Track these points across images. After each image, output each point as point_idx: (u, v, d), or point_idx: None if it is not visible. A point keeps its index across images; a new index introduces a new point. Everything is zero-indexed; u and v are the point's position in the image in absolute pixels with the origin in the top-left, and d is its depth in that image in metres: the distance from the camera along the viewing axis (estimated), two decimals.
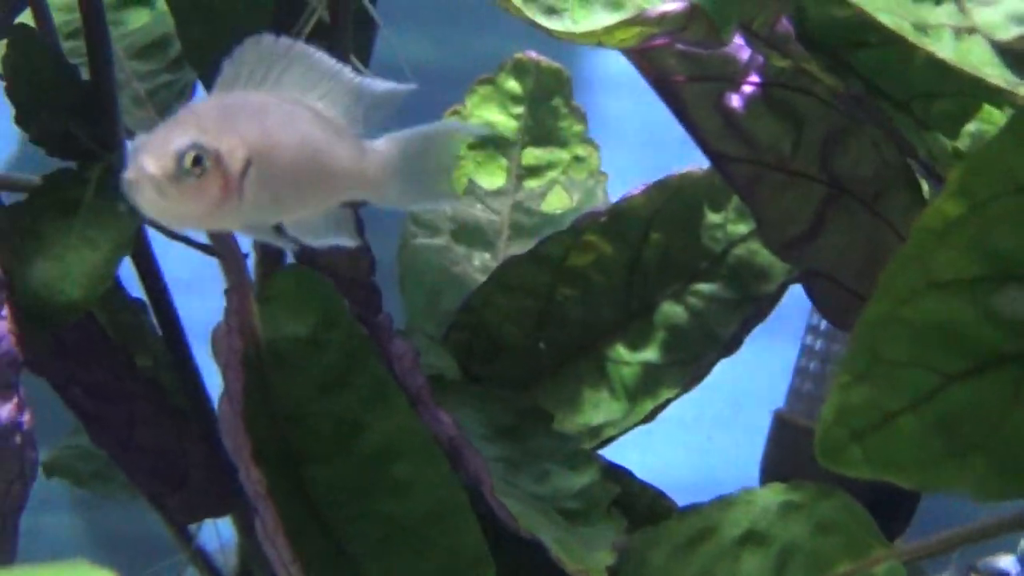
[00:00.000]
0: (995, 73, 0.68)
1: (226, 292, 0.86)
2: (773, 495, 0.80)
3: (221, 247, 0.92)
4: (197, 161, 0.61)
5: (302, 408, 0.85)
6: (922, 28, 0.69)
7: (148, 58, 1.14)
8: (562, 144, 1.21)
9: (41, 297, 0.88)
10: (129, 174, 0.61)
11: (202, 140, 0.62)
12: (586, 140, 1.21)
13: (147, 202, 0.62)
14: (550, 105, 1.21)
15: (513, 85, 1.21)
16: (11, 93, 0.95)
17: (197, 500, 1.04)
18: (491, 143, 1.21)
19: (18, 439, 0.81)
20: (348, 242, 0.73)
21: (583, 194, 1.20)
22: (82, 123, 0.96)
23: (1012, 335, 0.63)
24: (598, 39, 0.72)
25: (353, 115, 0.71)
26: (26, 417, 0.82)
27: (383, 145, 0.73)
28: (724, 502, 0.81)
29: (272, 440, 0.84)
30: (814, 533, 0.78)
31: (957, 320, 0.63)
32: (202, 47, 1.06)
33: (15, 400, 0.81)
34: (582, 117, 1.22)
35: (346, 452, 0.84)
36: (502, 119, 1.21)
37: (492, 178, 1.20)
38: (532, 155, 1.21)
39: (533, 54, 1.21)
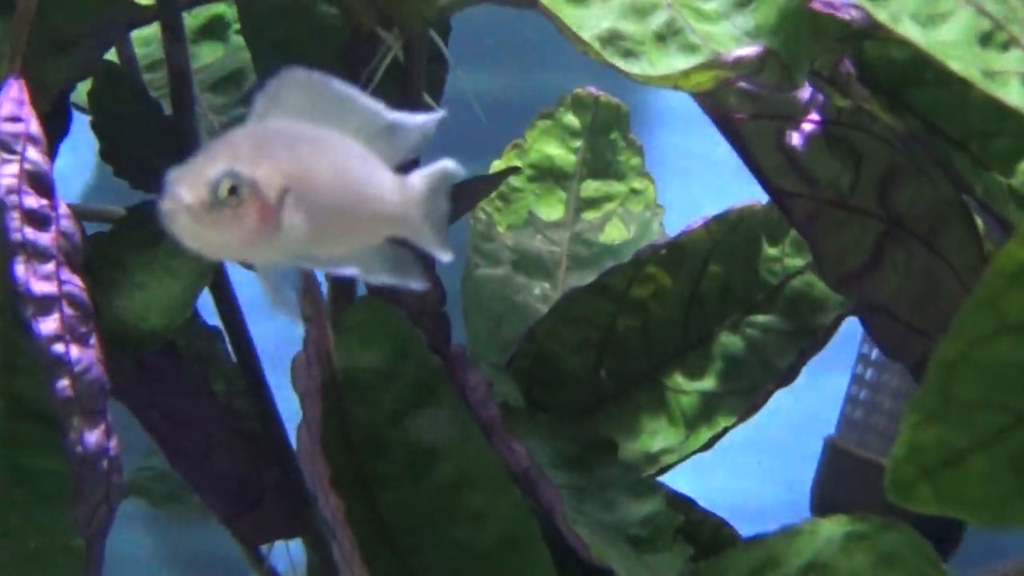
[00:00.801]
0: None
1: (304, 323, 0.87)
2: (837, 526, 0.80)
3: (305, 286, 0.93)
4: (233, 190, 0.59)
5: (377, 437, 0.86)
6: (990, 75, 0.70)
7: (222, 92, 1.15)
8: (619, 177, 1.22)
9: (125, 325, 0.89)
10: (165, 204, 0.60)
11: (237, 168, 0.60)
12: (643, 173, 1.23)
13: (183, 232, 0.60)
14: (608, 139, 1.23)
15: (572, 119, 1.22)
16: (97, 128, 0.96)
17: (270, 522, 1.05)
18: (550, 176, 1.22)
19: (105, 464, 0.82)
20: (416, 284, 0.71)
21: (640, 226, 1.21)
22: (164, 156, 0.97)
23: None
24: (674, 82, 0.73)
25: (387, 149, 0.70)
26: (113, 443, 0.82)
27: (417, 180, 0.71)
28: (788, 532, 0.82)
29: (348, 467, 0.85)
30: (877, 565, 0.78)
31: None
32: (271, 67, 1.07)
33: (103, 426, 0.82)
34: (639, 151, 1.23)
35: (420, 480, 0.85)
36: (561, 152, 1.22)
37: (551, 210, 1.21)
38: (590, 187, 1.22)
39: (592, 89, 1.22)
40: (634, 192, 1.22)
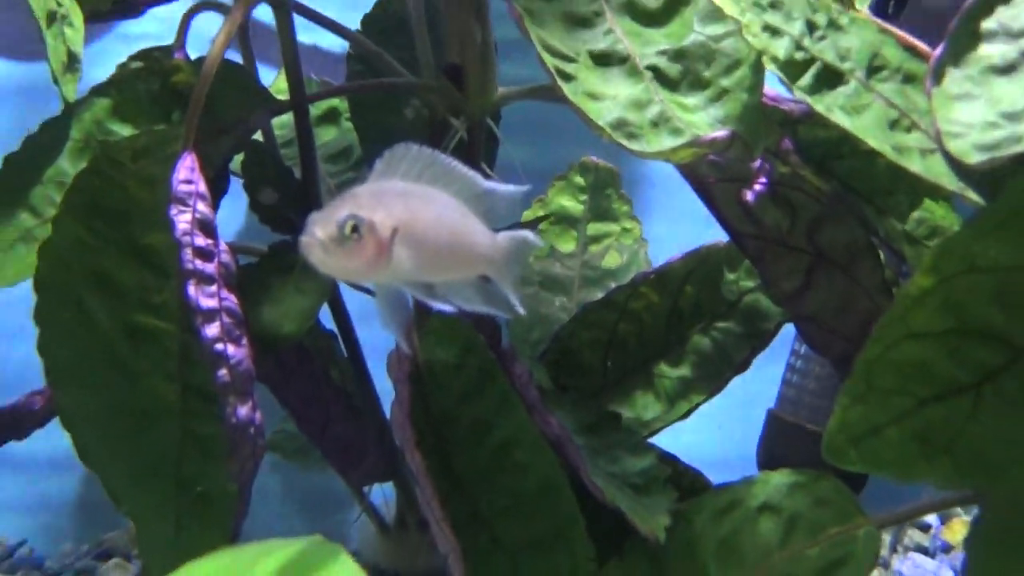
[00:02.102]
0: (951, 182, 0.67)
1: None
2: (783, 477, 0.79)
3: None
4: (355, 228, 0.59)
5: (449, 412, 0.85)
6: (898, 150, 0.68)
7: (336, 161, 1.15)
8: (614, 220, 1.22)
9: (268, 330, 0.88)
10: (304, 238, 0.60)
11: (358, 212, 0.60)
12: (631, 217, 1.22)
13: (316, 260, 0.60)
14: (605, 193, 1.22)
15: (579, 180, 1.22)
16: (248, 189, 0.95)
17: (370, 471, 1.04)
18: (565, 220, 1.22)
19: (252, 431, 0.81)
20: (503, 314, 0.71)
21: (630, 255, 1.20)
22: (295, 209, 0.96)
23: (968, 371, 0.62)
24: (665, 157, 0.71)
25: (480, 209, 0.68)
26: (257, 415, 0.82)
27: (503, 238, 0.70)
28: (747, 481, 0.81)
29: (429, 434, 0.84)
30: (813, 506, 0.77)
31: (928, 360, 0.62)
32: (375, 154, 1.06)
33: (251, 404, 0.81)
34: (628, 201, 1.22)
35: (480, 443, 0.83)
36: (572, 203, 1.22)
37: (566, 244, 1.21)
38: (594, 228, 1.21)
39: (594, 158, 1.22)
40: (625, 231, 1.21)
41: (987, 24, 0.61)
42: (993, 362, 0.60)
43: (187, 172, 0.81)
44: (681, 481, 0.89)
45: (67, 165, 0.91)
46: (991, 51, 0.59)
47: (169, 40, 1.06)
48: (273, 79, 1.22)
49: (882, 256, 0.94)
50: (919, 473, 0.63)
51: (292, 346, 0.93)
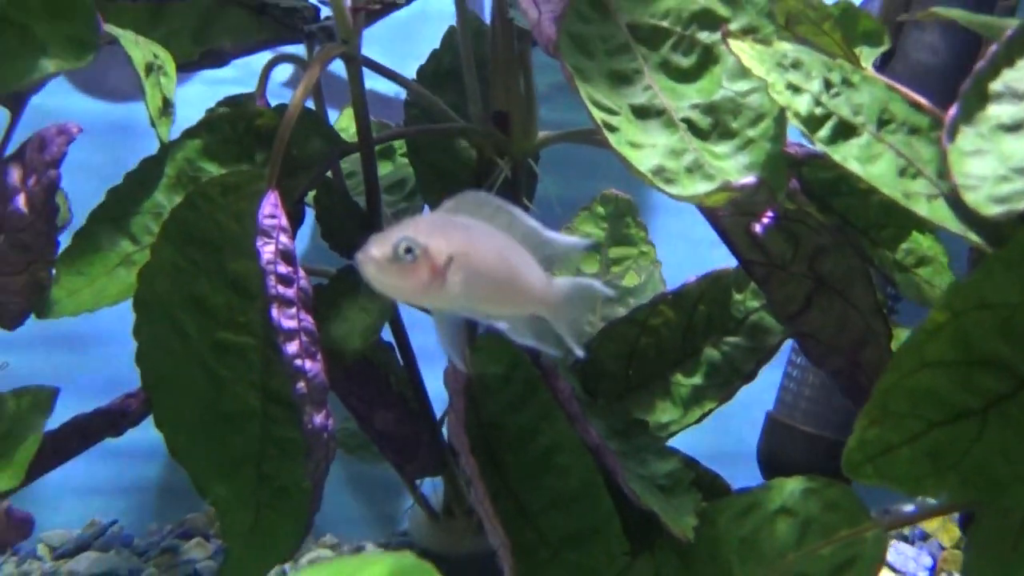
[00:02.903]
0: (954, 225, 0.65)
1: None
2: (797, 483, 0.77)
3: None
4: (408, 250, 0.56)
5: (499, 419, 0.84)
6: (907, 195, 0.65)
7: (392, 192, 1.13)
8: (632, 244, 1.20)
9: (337, 345, 0.87)
10: (360, 255, 0.57)
11: (413, 236, 0.56)
12: (647, 242, 1.20)
13: (371, 277, 0.57)
14: (624, 221, 1.20)
15: (601, 210, 1.20)
16: (319, 219, 0.94)
17: (422, 466, 1.02)
18: (591, 247, 1.20)
19: (325, 435, 0.80)
20: (552, 352, 0.66)
21: (647, 275, 1.18)
22: (360, 235, 0.94)
23: (975, 397, 0.60)
24: (699, 200, 0.69)
25: (540, 256, 0.64)
26: (330, 422, 0.80)
27: (562, 283, 0.66)
28: (764, 487, 0.78)
29: (480, 439, 0.82)
30: (824, 509, 0.75)
31: (939, 387, 0.60)
32: (429, 188, 1.05)
33: (325, 411, 0.80)
34: (643, 228, 1.20)
35: (526, 448, 0.82)
36: (595, 230, 1.20)
37: (591, 267, 1.19)
38: (614, 252, 1.19)
39: (614, 190, 1.20)
40: (642, 254, 1.19)
41: (994, 86, 0.59)
42: (999, 389, 0.58)
43: (271, 208, 0.80)
44: (702, 483, 0.86)
45: (162, 198, 0.90)
46: (999, 111, 0.57)
47: (241, 82, 1.07)
48: (336, 118, 1.21)
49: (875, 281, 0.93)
50: (928, 488, 0.61)
51: (358, 358, 0.91)
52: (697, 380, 1.04)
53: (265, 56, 1.05)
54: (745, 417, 1.24)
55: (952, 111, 0.57)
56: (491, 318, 0.63)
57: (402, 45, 1.11)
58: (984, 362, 0.58)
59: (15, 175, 0.84)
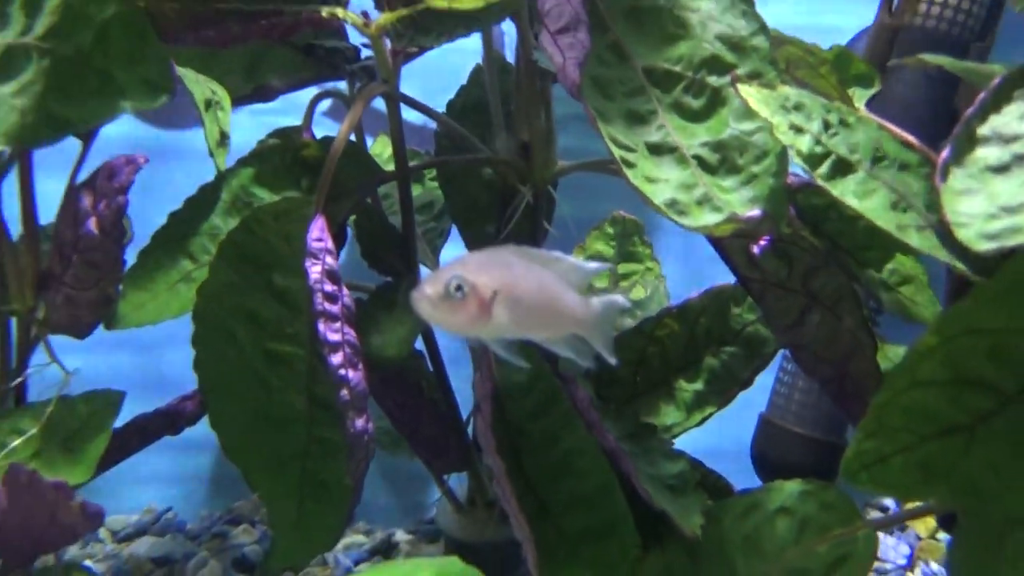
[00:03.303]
0: (943, 254, 0.64)
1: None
2: (795, 486, 0.76)
3: None
4: (459, 288, 0.57)
5: (523, 425, 0.83)
6: (900, 228, 0.65)
7: (422, 213, 1.13)
8: (639, 261, 1.19)
9: (375, 353, 0.86)
10: (415, 294, 0.58)
11: (463, 274, 0.58)
12: (653, 259, 1.19)
13: (425, 313, 0.58)
14: (631, 239, 1.19)
15: (610, 230, 1.20)
16: (360, 240, 0.94)
17: (450, 462, 1.02)
18: (600, 262, 1.19)
19: (366, 438, 0.79)
20: (585, 364, 0.68)
21: (652, 289, 1.17)
22: (396, 256, 0.95)
23: (964, 414, 0.59)
24: (709, 231, 0.69)
25: (573, 279, 0.65)
26: (370, 425, 0.80)
27: (596, 302, 0.67)
28: (765, 488, 0.78)
29: (506, 441, 0.82)
30: (820, 510, 0.74)
31: (930, 404, 0.59)
32: (458, 211, 1.05)
33: (365, 416, 0.79)
34: (649, 246, 1.19)
35: (548, 452, 0.81)
36: (606, 248, 1.19)
37: (602, 282, 1.18)
38: (623, 267, 1.18)
39: (622, 212, 1.19)
40: (648, 269, 1.18)
41: (982, 130, 0.58)
42: (985, 407, 0.58)
43: (319, 232, 0.80)
44: (706, 483, 0.86)
45: (218, 221, 0.90)
46: (987, 153, 0.57)
47: (282, 111, 1.07)
48: (371, 144, 1.21)
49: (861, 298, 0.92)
50: (919, 495, 0.60)
51: (394, 367, 0.91)
52: (699, 386, 1.03)
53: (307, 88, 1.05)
54: (740, 418, 1.23)
55: (944, 154, 0.57)
56: (535, 340, 0.65)
57: (431, 80, 1.10)
58: (972, 382, 0.57)
59: (87, 200, 0.84)
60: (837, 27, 1.22)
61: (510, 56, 1.04)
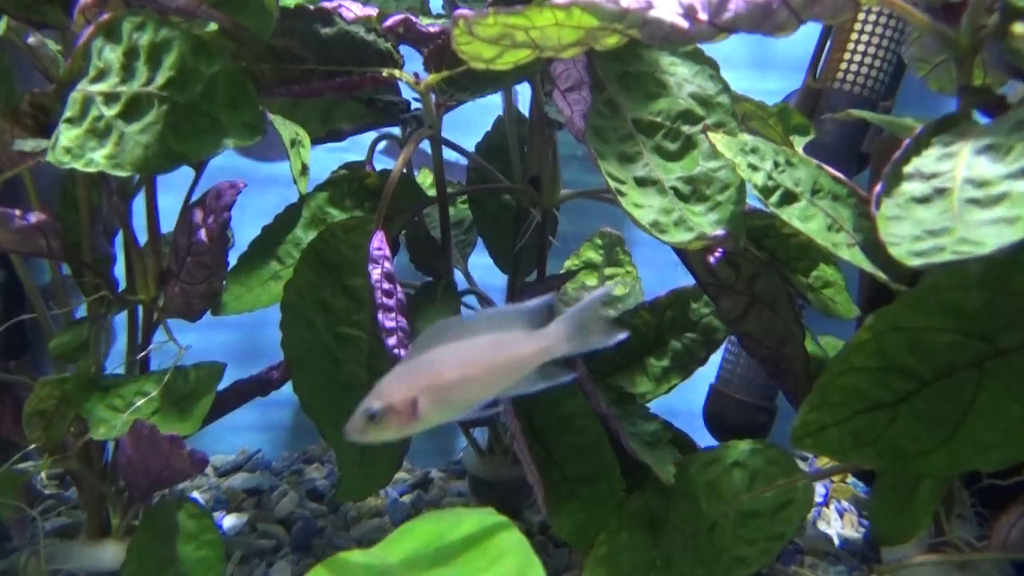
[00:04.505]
0: (868, 266, 0.60)
1: None
2: (747, 445, 0.73)
3: None
4: (372, 416, 0.49)
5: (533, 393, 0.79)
6: (835, 244, 0.61)
7: (455, 228, 1.09)
8: (621, 266, 1.15)
9: None
10: (345, 430, 0.49)
11: (375, 404, 0.49)
12: (631, 264, 1.15)
13: (358, 439, 0.49)
14: (615, 249, 1.15)
15: (599, 241, 1.16)
16: (408, 248, 0.90)
17: (475, 418, 0.98)
18: (591, 266, 1.15)
19: None
20: (566, 379, 0.56)
21: (630, 287, 1.13)
22: (436, 261, 0.91)
23: (889, 394, 0.55)
24: (684, 246, 0.65)
25: (521, 323, 0.54)
26: None
27: (554, 326, 0.55)
28: (723, 446, 0.75)
29: (521, 406, 0.78)
30: (767, 464, 0.71)
31: (863, 386, 0.55)
32: (484, 226, 1.01)
33: None
34: (628, 254, 1.15)
35: (553, 413, 0.78)
36: (595, 256, 1.15)
37: (592, 280, 1.14)
38: (608, 271, 1.14)
39: (608, 228, 1.15)
40: (627, 272, 1.14)
41: (907, 169, 0.55)
42: (907, 389, 0.54)
43: (378, 243, 0.76)
44: (676, 440, 0.82)
45: (300, 233, 0.86)
46: (911, 187, 0.53)
47: (348, 150, 1.03)
48: (417, 175, 1.17)
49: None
50: (851, 458, 0.56)
51: None
52: (665, 363, 0.99)
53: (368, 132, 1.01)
54: (693, 386, 1.20)
55: (878, 188, 0.53)
56: (504, 393, 0.54)
57: (460, 128, 1.07)
58: (896, 369, 0.54)
59: (198, 215, 0.80)
60: (772, 90, 1.18)
61: (522, 109, 1.01)
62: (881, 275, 0.61)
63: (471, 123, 1.05)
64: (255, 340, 1.23)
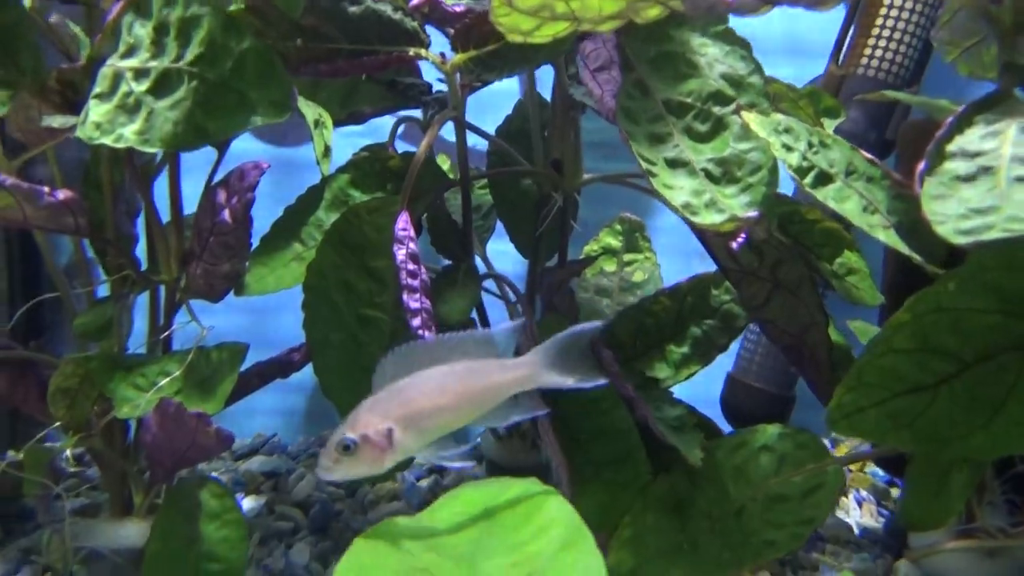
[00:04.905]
0: (904, 248, 0.59)
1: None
2: (774, 429, 0.72)
3: (523, 306, 0.86)
4: (346, 448, 0.47)
5: None
6: (871, 226, 0.60)
7: (473, 213, 1.08)
8: (640, 252, 1.13)
9: (442, 318, 0.82)
10: (319, 467, 0.48)
11: (349, 435, 0.48)
12: (651, 250, 1.13)
13: (329, 475, 0.49)
14: (634, 235, 1.13)
15: (619, 227, 1.14)
16: (430, 232, 0.89)
17: None
18: (610, 252, 1.13)
19: None
20: (536, 413, 0.55)
21: (649, 273, 1.11)
22: (457, 245, 0.90)
23: (929, 376, 0.54)
24: (716, 228, 0.64)
25: (493, 349, 0.52)
26: None
27: (531, 356, 0.53)
28: (751, 430, 0.74)
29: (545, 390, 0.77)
30: (796, 448, 0.70)
31: (902, 368, 0.54)
32: (503, 211, 1.00)
33: None
34: (648, 240, 1.13)
35: (579, 397, 0.76)
36: (614, 241, 1.13)
37: (611, 266, 1.13)
38: (627, 256, 1.12)
39: (627, 214, 1.13)
40: (647, 258, 1.12)
41: (950, 148, 0.53)
42: (947, 371, 0.53)
43: (404, 223, 0.75)
44: (700, 425, 0.81)
45: (322, 214, 0.85)
46: (955, 166, 0.52)
47: (361, 133, 1.01)
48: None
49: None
50: (888, 440, 0.55)
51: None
52: (685, 350, 0.98)
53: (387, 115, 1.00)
54: (711, 375, 1.19)
55: (921, 166, 0.52)
56: (478, 423, 0.52)
57: (476, 113, 1.06)
58: (937, 351, 0.53)
59: (222, 196, 0.79)
60: (794, 78, 1.17)
61: (540, 90, 0.99)
62: (916, 257, 0.60)
63: (488, 109, 1.04)
64: (264, 327, 1.23)
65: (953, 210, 0.48)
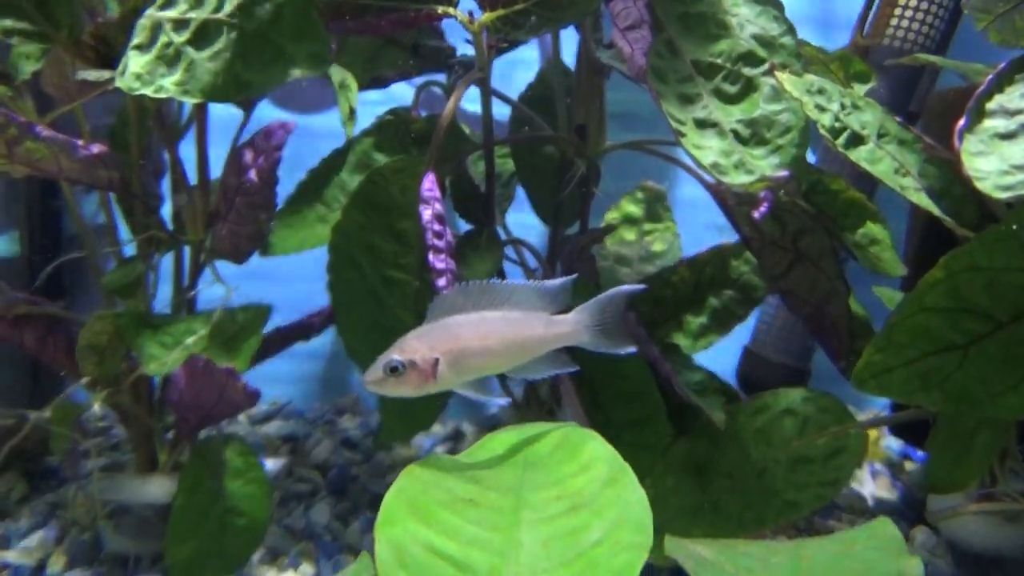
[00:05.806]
0: (935, 210, 0.59)
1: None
2: (797, 393, 0.72)
3: (544, 271, 0.85)
4: (394, 369, 0.49)
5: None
6: (902, 188, 0.59)
7: (498, 181, 1.07)
8: (660, 221, 1.12)
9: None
10: (364, 379, 0.50)
11: (398, 357, 0.49)
12: (671, 220, 1.12)
13: (375, 389, 0.50)
14: (655, 204, 1.12)
15: (640, 195, 1.12)
16: (453, 197, 0.89)
17: None
18: (630, 221, 1.13)
19: None
20: (567, 370, 0.54)
21: (669, 243, 1.10)
22: (480, 210, 0.89)
23: (961, 336, 0.54)
24: (745, 187, 0.63)
25: (540, 303, 0.52)
26: None
27: (574, 315, 0.53)
28: (773, 393, 0.73)
29: (569, 352, 0.77)
30: (819, 412, 0.70)
31: (933, 327, 0.54)
32: (526, 178, 0.99)
33: None
34: (668, 209, 1.12)
35: (601, 359, 0.76)
36: (635, 210, 1.12)
37: (631, 236, 1.12)
38: (648, 226, 1.11)
39: (650, 183, 1.12)
40: (667, 228, 1.11)
41: (990, 105, 0.53)
42: (980, 330, 0.53)
43: (430, 183, 0.75)
44: (720, 389, 0.81)
45: (346, 177, 0.85)
46: (995, 123, 0.51)
47: (380, 101, 1.00)
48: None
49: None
50: (916, 400, 0.55)
51: None
52: (703, 320, 0.98)
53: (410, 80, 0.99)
54: (727, 348, 1.19)
55: (960, 123, 0.51)
56: (513, 372, 0.53)
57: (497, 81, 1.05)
58: (970, 310, 0.53)
59: (249, 156, 0.79)
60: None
61: (564, 57, 0.98)
62: (947, 219, 0.60)
63: (507, 81, 1.02)
64: (289, 287, 1.23)
65: (994, 166, 0.48)
